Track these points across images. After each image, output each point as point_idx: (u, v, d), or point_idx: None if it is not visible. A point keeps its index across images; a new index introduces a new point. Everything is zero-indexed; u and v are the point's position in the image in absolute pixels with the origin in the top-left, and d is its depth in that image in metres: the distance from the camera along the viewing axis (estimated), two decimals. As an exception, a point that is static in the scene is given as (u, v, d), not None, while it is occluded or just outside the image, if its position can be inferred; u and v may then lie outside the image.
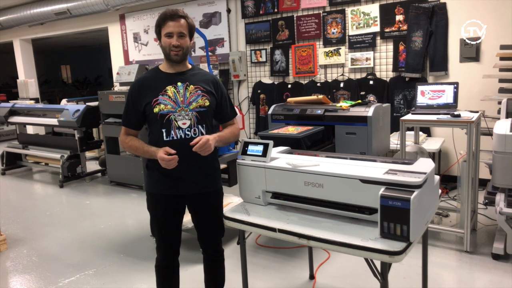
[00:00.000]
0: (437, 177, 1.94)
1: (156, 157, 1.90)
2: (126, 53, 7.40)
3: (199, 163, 1.99)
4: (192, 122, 1.95)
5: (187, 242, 3.20)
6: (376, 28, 4.83)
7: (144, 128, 2.08)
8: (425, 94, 3.30)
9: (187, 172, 1.97)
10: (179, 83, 1.97)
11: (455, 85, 3.21)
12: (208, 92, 2.00)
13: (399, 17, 4.68)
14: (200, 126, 1.97)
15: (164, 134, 1.94)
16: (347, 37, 5.05)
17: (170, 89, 1.95)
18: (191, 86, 1.97)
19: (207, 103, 1.98)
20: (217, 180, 2.11)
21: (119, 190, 5.21)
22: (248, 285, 2.17)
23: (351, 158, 2.05)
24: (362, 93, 5.00)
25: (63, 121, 5.47)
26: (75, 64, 16.47)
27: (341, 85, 5.12)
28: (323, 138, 3.46)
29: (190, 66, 2.06)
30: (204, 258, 2.22)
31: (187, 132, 1.95)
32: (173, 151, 1.89)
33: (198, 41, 6.30)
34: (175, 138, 1.94)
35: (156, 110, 1.93)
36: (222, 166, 4.09)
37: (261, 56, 5.81)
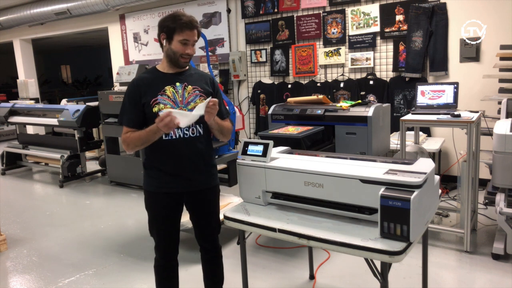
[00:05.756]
0: (437, 177, 1.94)
1: (156, 131, 1.84)
2: (126, 53, 7.40)
3: (196, 161, 2.01)
4: None
5: (186, 242, 3.20)
6: (376, 28, 4.83)
7: None
8: (425, 94, 3.30)
9: (185, 169, 1.99)
10: (177, 83, 1.98)
11: (455, 85, 3.21)
12: (206, 93, 2.03)
13: (399, 17, 4.68)
14: (198, 126, 2.00)
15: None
16: (347, 37, 5.05)
17: (169, 89, 1.96)
18: (189, 86, 2.00)
19: None
20: (213, 177, 2.12)
21: (119, 190, 5.21)
22: (248, 285, 2.17)
23: (351, 158, 2.05)
24: (362, 93, 5.00)
25: (63, 121, 5.47)
26: (75, 64, 16.48)
27: (341, 85, 5.12)
28: (323, 138, 3.46)
29: (187, 67, 2.07)
30: (202, 255, 2.24)
31: (185, 132, 1.97)
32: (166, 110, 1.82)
33: (198, 41, 6.27)
34: (173, 137, 1.96)
35: (155, 109, 1.93)
36: (222, 166, 4.09)
37: (261, 56, 5.81)
